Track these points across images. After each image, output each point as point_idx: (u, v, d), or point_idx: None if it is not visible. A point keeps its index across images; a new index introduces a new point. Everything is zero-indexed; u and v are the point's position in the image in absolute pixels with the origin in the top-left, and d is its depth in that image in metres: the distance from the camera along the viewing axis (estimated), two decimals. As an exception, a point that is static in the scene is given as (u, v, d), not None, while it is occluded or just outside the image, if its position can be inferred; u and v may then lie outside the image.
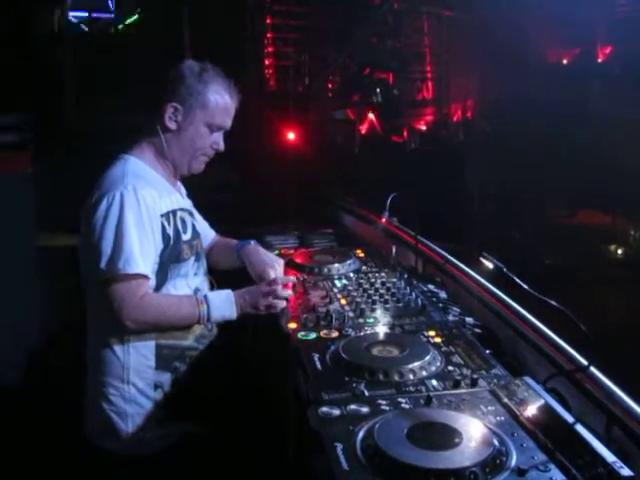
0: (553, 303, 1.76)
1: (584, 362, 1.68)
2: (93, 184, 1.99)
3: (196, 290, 2.09)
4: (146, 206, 1.92)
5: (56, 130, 5.28)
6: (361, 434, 1.46)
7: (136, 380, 1.97)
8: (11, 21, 5.44)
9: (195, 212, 2.29)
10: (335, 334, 2.05)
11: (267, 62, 7.08)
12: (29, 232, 4.17)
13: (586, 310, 1.81)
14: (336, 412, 1.56)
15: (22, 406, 3.35)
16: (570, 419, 1.47)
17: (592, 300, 5.12)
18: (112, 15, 8.77)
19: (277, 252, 3.07)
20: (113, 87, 5.73)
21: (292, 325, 2.14)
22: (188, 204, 2.23)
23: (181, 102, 2.00)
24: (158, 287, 1.98)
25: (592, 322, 1.64)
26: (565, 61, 12.15)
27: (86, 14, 8.65)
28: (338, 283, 2.56)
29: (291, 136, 4.59)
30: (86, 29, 8.55)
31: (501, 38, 9.25)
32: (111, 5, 8.96)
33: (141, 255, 1.87)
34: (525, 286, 1.89)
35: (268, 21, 7.04)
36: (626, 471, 1.28)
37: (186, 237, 2.07)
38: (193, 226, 2.15)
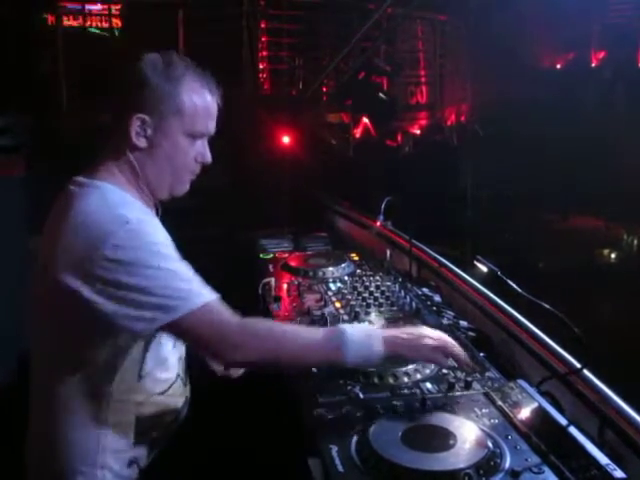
0: (546, 306, 1.77)
1: (577, 365, 1.69)
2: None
3: None
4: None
5: (52, 133, 5.26)
6: (356, 436, 1.46)
7: (112, 462, 1.60)
8: (6, 22, 5.43)
9: None
10: (330, 337, 2.05)
11: (261, 66, 7.09)
12: (22, 236, 4.16)
13: (579, 313, 1.82)
14: (331, 415, 1.57)
15: (14, 411, 3.33)
16: (563, 421, 1.48)
17: (585, 303, 5.14)
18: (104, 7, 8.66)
19: (271, 256, 3.07)
20: (110, 90, 5.72)
21: (287, 328, 2.13)
22: None
23: (148, 111, 1.57)
24: None
25: (585, 325, 1.65)
26: (559, 65, 12.23)
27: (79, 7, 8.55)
28: (333, 286, 2.56)
29: (285, 140, 4.60)
30: (82, 30, 8.48)
31: (495, 43, 9.30)
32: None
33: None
34: (519, 289, 1.89)
35: (262, 25, 7.05)
36: (619, 473, 1.29)
37: None
38: None
